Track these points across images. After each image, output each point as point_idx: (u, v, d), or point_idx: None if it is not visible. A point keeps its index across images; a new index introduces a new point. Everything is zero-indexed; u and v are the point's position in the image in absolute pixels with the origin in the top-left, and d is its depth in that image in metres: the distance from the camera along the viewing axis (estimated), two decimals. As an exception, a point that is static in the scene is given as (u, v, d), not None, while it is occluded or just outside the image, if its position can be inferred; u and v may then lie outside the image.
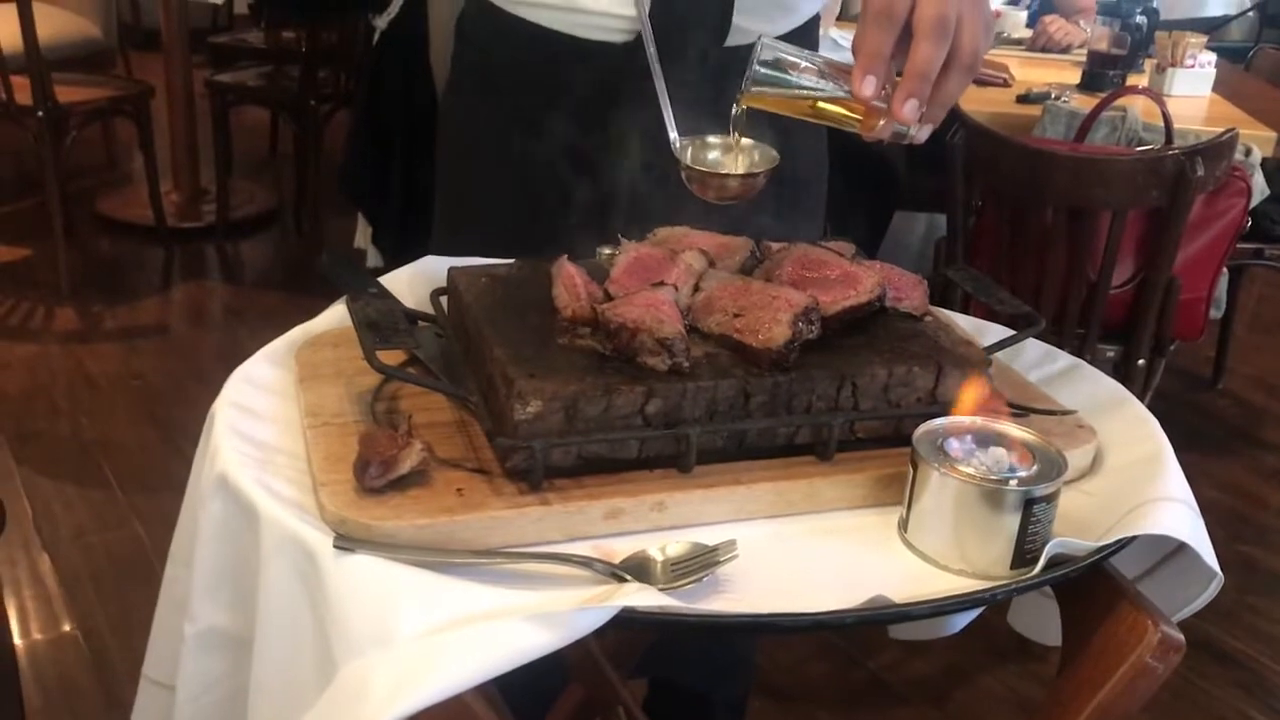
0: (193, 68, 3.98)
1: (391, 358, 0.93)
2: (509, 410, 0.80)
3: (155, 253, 3.82)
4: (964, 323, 1.11)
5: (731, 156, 1.01)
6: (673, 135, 1.04)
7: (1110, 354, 2.24)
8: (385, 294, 1.00)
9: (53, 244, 3.45)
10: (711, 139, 1.04)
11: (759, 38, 0.94)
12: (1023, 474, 0.79)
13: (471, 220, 1.28)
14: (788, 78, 0.93)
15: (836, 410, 0.87)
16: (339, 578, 0.72)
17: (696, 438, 0.82)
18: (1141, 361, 2.25)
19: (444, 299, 1.00)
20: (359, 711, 0.68)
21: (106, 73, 4.09)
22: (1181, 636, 0.79)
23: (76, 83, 3.52)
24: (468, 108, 1.28)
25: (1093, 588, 0.83)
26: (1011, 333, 1.02)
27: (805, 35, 1.25)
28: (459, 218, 1.30)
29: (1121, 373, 2.24)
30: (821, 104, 0.94)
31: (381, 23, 3.03)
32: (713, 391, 0.83)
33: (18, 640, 2.06)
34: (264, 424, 0.89)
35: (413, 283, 1.07)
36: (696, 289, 0.92)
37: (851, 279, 0.93)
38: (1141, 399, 2.26)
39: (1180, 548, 0.88)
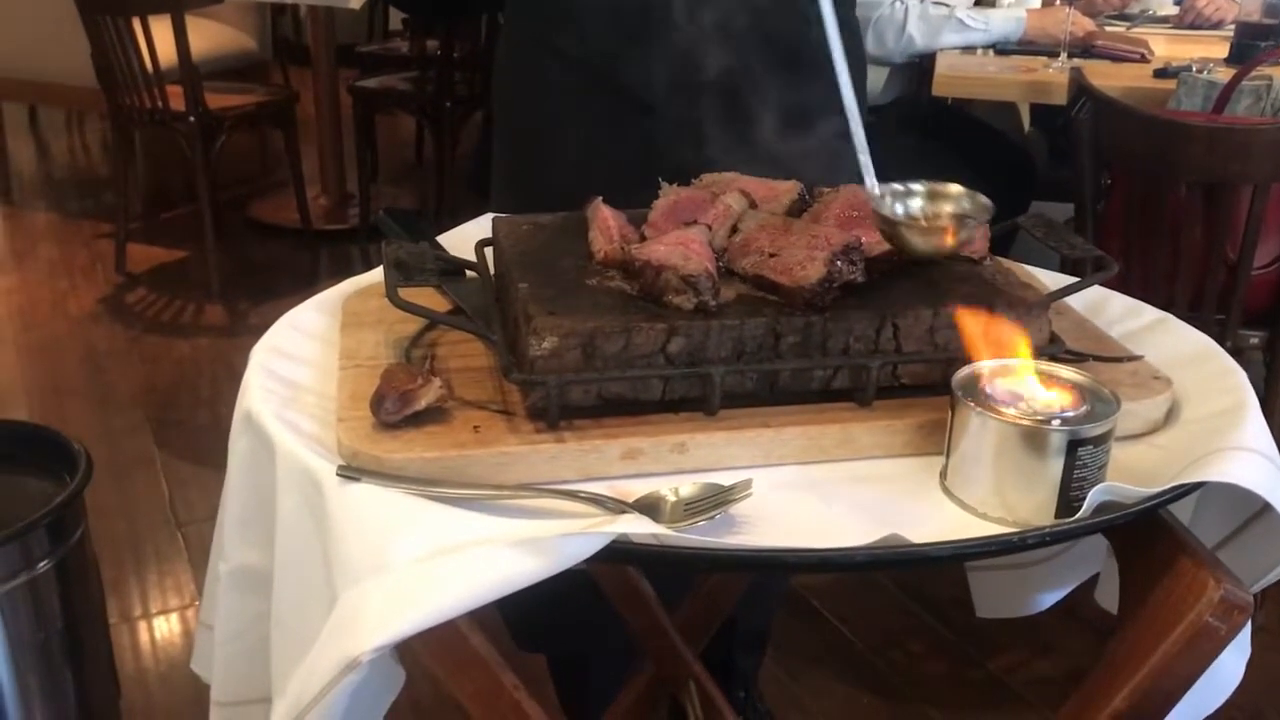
0: (344, 80, 4.12)
1: (439, 305, 0.93)
2: (526, 346, 0.78)
3: (301, 254, 3.96)
4: (1044, 276, 1.05)
5: (935, 204, 0.90)
6: (870, 182, 0.89)
7: (1254, 340, 2.09)
8: (434, 244, 1.00)
9: (205, 246, 3.61)
10: (915, 186, 0.91)
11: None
12: (1068, 415, 0.73)
13: (529, 174, 1.28)
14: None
15: (876, 353, 0.82)
16: (341, 506, 0.72)
17: (721, 377, 0.79)
18: (1290, 348, 2.09)
19: (489, 250, 0.99)
20: (353, 636, 0.67)
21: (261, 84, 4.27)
22: (1248, 596, 0.72)
23: (227, 91, 3.69)
24: (526, 64, 1.27)
25: (1152, 542, 0.76)
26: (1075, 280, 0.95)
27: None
28: (517, 171, 1.30)
29: (1268, 360, 2.09)
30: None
31: (509, 22, 3.09)
32: (739, 330, 0.80)
33: (153, 612, 2.16)
34: (301, 366, 0.89)
35: (474, 238, 1.07)
36: (735, 231, 0.89)
37: (901, 219, 0.88)
38: (1291, 391, 2.10)
39: (1265, 509, 0.81)
